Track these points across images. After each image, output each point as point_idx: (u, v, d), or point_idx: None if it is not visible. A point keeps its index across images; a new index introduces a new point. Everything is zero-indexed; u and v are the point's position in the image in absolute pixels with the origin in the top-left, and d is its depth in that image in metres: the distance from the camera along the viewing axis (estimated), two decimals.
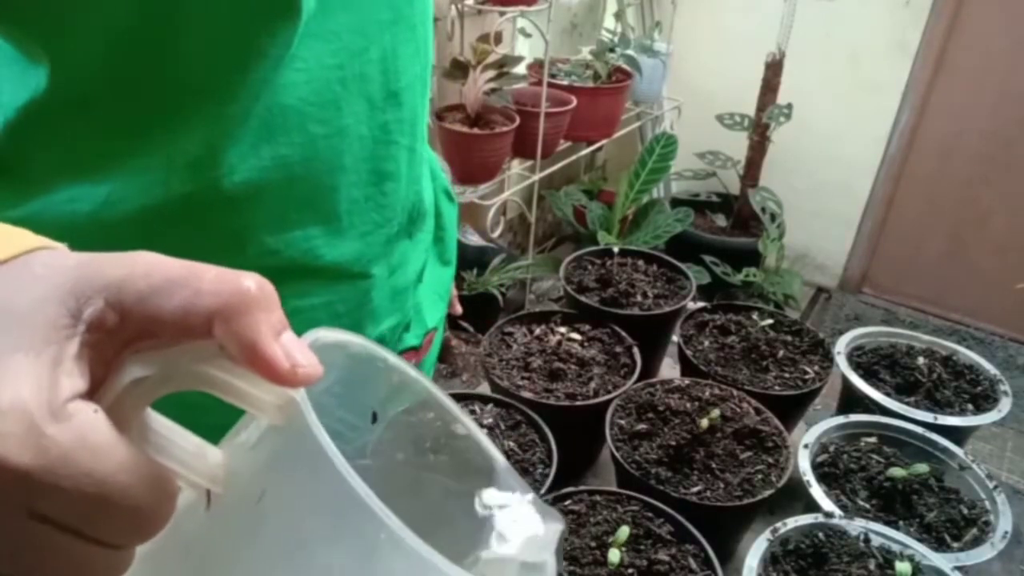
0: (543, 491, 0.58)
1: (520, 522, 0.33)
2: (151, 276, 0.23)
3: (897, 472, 0.65)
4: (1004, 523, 0.61)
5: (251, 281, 0.24)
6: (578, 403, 0.70)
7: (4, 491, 0.20)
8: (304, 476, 0.24)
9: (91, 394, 0.22)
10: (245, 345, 0.23)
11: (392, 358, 0.33)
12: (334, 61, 0.44)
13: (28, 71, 0.36)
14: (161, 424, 0.24)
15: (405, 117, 0.51)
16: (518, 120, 1.73)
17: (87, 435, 0.21)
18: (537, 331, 0.82)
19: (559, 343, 0.78)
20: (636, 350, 0.78)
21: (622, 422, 0.68)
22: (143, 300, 0.23)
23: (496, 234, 1.98)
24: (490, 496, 0.34)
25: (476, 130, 1.69)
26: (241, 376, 0.24)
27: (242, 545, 0.26)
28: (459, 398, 0.69)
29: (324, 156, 0.46)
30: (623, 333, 0.80)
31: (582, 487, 0.60)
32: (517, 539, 0.32)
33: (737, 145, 2.53)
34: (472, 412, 0.67)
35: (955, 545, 0.61)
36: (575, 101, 1.93)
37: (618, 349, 0.79)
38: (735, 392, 0.73)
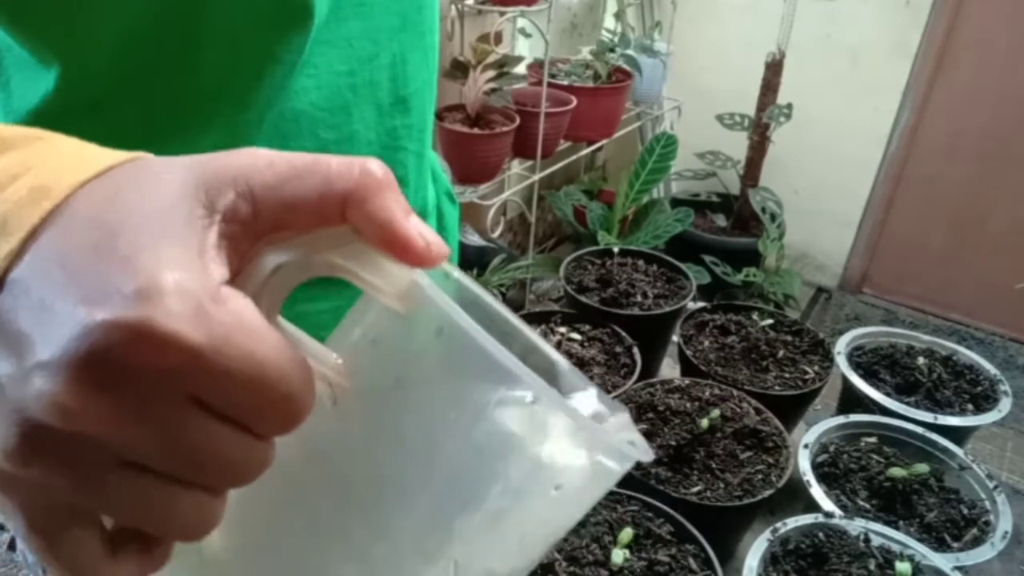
0: None
1: (599, 411, 0.33)
2: (275, 166, 0.23)
3: (897, 472, 0.65)
4: (1004, 523, 0.61)
5: (376, 165, 0.24)
6: None
7: (171, 376, 0.19)
8: (440, 353, 0.24)
9: (232, 285, 0.22)
10: (381, 224, 0.23)
11: (456, 272, 0.32)
12: (345, 67, 0.44)
13: (40, 74, 0.36)
14: (283, 321, 0.25)
15: (413, 123, 0.51)
16: (518, 120, 1.73)
17: (244, 317, 0.21)
18: (537, 331, 0.82)
19: (559, 343, 0.78)
20: (636, 350, 0.78)
21: None
22: (274, 188, 0.22)
23: (496, 234, 1.98)
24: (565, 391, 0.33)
25: (476, 130, 1.69)
26: (369, 265, 0.24)
27: (379, 432, 0.26)
28: None
29: None
30: (623, 333, 0.80)
31: None
32: (605, 424, 0.32)
33: (737, 145, 2.53)
34: None
35: (955, 545, 0.61)
36: (575, 101, 1.93)
37: (618, 349, 0.79)
38: (735, 392, 0.73)
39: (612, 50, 2.09)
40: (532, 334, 0.33)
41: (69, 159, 0.23)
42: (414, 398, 0.25)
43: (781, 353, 0.80)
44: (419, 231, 0.24)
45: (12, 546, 0.67)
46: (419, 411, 0.25)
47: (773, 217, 2.37)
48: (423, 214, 0.59)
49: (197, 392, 0.20)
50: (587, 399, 0.33)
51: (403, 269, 0.24)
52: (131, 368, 0.19)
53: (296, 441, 0.23)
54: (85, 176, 0.22)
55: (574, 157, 2.16)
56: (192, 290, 0.20)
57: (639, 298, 0.87)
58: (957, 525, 0.62)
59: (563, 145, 2.02)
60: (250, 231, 0.23)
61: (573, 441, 0.25)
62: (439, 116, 1.71)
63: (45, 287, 0.20)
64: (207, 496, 0.22)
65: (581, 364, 0.76)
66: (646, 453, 0.27)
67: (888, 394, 0.75)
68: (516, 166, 2.03)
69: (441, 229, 0.69)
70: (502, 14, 1.68)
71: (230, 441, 0.21)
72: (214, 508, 0.22)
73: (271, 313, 0.23)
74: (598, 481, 0.27)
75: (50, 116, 0.38)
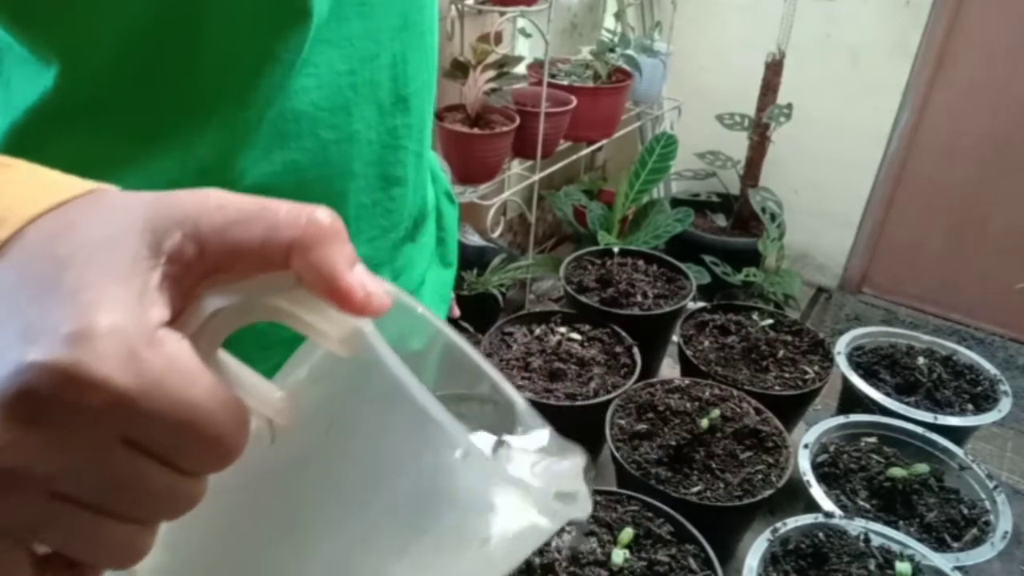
0: None
1: (547, 456, 0.33)
2: (225, 209, 0.23)
3: (897, 472, 0.65)
4: (1004, 523, 0.61)
5: (324, 213, 0.24)
6: (578, 403, 0.70)
7: (101, 416, 0.20)
8: (375, 403, 0.25)
9: (171, 325, 0.22)
10: (323, 274, 0.23)
11: (420, 308, 0.33)
12: (346, 67, 0.44)
13: (39, 72, 0.36)
14: (228, 359, 0.25)
15: (413, 122, 0.51)
16: (518, 120, 1.73)
17: (178, 361, 0.21)
18: (537, 331, 0.82)
19: (559, 343, 0.78)
20: (636, 350, 0.78)
21: (622, 422, 0.68)
22: (221, 232, 0.23)
23: (496, 234, 1.98)
24: (515, 434, 0.34)
25: (476, 130, 1.69)
26: (313, 310, 0.24)
27: (310, 475, 0.26)
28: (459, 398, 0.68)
29: (334, 161, 0.46)
30: (623, 333, 0.80)
31: None
32: (548, 472, 0.33)
33: (737, 145, 2.53)
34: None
35: (955, 545, 0.61)
36: (575, 101, 1.93)
37: (618, 349, 0.79)
38: (735, 392, 0.73)
39: (612, 50, 2.09)
40: (495, 373, 0.34)
41: (28, 189, 0.24)
42: (348, 444, 0.25)
43: (781, 353, 0.80)
44: (360, 282, 0.24)
45: None
46: (351, 457, 0.25)
47: (773, 217, 2.37)
48: (422, 214, 0.59)
49: (126, 432, 0.21)
50: (539, 439, 0.33)
51: (346, 315, 0.24)
52: (61, 407, 0.19)
53: (233, 472, 0.24)
54: (40, 208, 0.23)
55: (574, 157, 2.16)
56: (126, 333, 0.20)
57: (639, 298, 0.87)
58: (957, 525, 0.62)
59: (563, 145, 2.02)
60: (195, 271, 0.23)
61: (503, 497, 0.25)
62: (439, 116, 1.71)
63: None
64: (136, 527, 0.23)
65: (581, 364, 0.76)
66: (583, 508, 0.28)
67: (888, 394, 0.75)
68: (516, 166, 2.03)
69: (440, 229, 0.69)
70: (502, 14, 1.68)
71: (159, 478, 0.22)
72: (144, 539, 0.23)
73: (210, 352, 0.24)
74: (527, 537, 0.27)
75: (49, 114, 0.38)
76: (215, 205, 0.23)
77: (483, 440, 0.31)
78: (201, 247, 0.23)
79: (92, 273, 0.21)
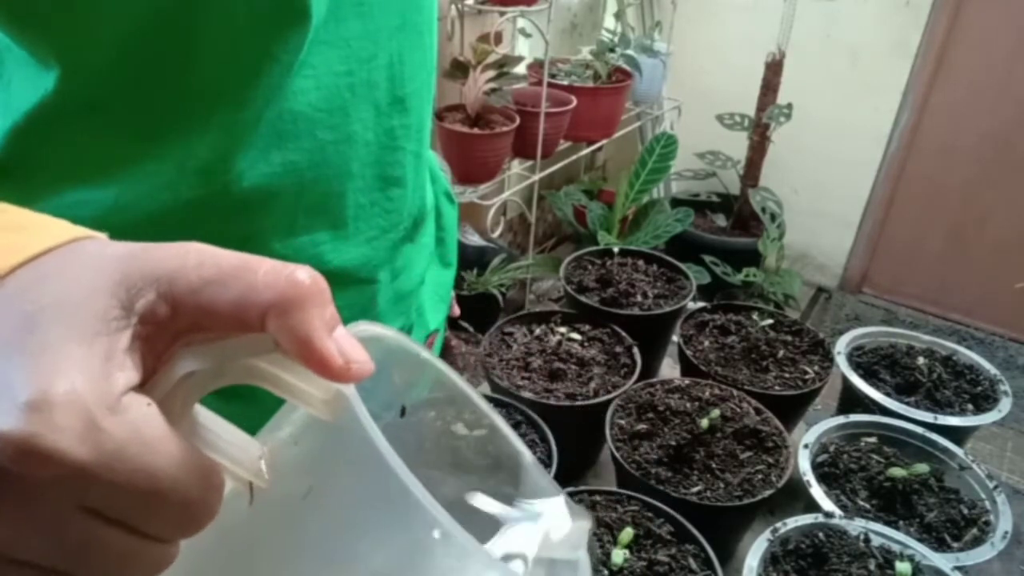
0: None
1: (550, 519, 0.33)
2: (203, 267, 0.22)
3: (897, 472, 0.65)
4: (1004, 523, 0.61)
5: (305, 274, 0.23)
6: (578, 403, 0.70)
7: (58, 485, 0.20)
8: (354, 472, 0.24)
9: (142, 387, 0.22)
10: (300, 340, 0.23)
11: (424, 353, 0.33)
12: (343, 68, 0.44)
13: (39, 74, 0.37)
14: (207, 417, 0.24)
15: (411, 123, 0.51)
16: (518, 120, 1.73)
17: (141, 429, 0.21)
18: (537, 331, 0.82)
19: (559, 343, 0.78)
20: (636, 350, 0.78)
21: (622, 422, 0.68)
22: (196, 292, 0.22)
23: (496, 234, 1.98)
24: (519, 494, 0.34)
25: (476, 130, 1.69)
26: (292, 370, 0.24)
27: (286, 540, 0.26)
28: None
29: (332, 162, 0.46)
30: (623, 333, 0.80)
31: (582, 487, 0.60)
32: (549, 536, 0.32)
33: (737, 145, 2.53)
34: (472, 412, 0.67)
35: (955, 545, 0.61)
36: (575, 101, 1.93)
37: (618, 349, 0.79)
38: (735, 392, 0.73)
39: (612, 50, 2.09)
40: (501, 422, 0.34)
41: (11, 238, 0.23)
42: (325, 511, 0.25)
43: (781, 353, 0.80)
44: (339, 349, 0.23)
45: None
46: (328, 526, 0.25)
47: (773, 217, 2.37)
48: (421, 214, 0.59)
49: (86, 501, 0.20)
50: (547, 502, 0.33)
51: (323, 382, 0.24)
52: (13, 479, 0.19)
53: (214, 534, 0.23)
54: (16, 261, 0.22)
55: (574, 157, 2.16)
56: (86, 401, 0.20)
57: (639, 298, 0.87)
58: (957, 525, 0.62)
59: (563, 145, 2.02)
60: (167, 332, 0.23)
61: None
62: (439, 116, 1.71)
63: None
64: None
65: (581, 364, 0.76)
66: None
67: (888, 394, 0.75)
68: (516, 166, 2.03)
69: (440, 229, 0.69)
70: (502, 14, 1.68)
71: (122, 543, 0.21)
72: None
73: (182, 415, 0.23)
74: None
75: (48, 116, 0.38)
76: (194, 263, 0.22)
77: (483, 503, 0.31)
78: (175, 307, 0.22)
79: (57, 333, 0.20)
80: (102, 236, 0.25)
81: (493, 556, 0.24)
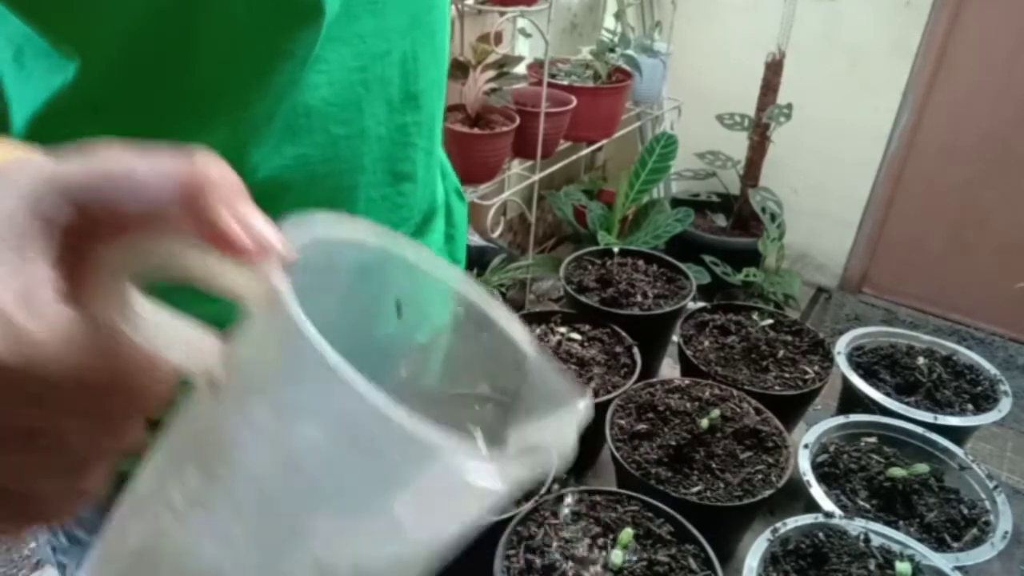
0: (543, 491, 0.58)
1: (549, 402, 0.33)
2: (109, 170, 0.23)
3: (897, 472, 0.65)
4: (1004, 523, 0.61)
5: (206, 160, 0.24)
6: None
7: None
8: (290, 358, 0.24)
9: (67, 291, 0.22)
10: (206, 223, 0.23)
11: (411, 255, 0.33)
12: (356, 63, 0.45)
13: (60, 65, 0.37)
14: (154, 315, 0.25)
15: (423, 120, 0.52)
16: (518, 120, 1.73)
17: (60, 327, 0.21)
18: (537, 331, 0.82)
19: (559, 343, 0.78)
20: (636, 350, 0.78)
21: (622, 422, 0.68)
22: (102, 194, 0.22)
23: (496, 234, 1.98)
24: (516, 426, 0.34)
25: (476, 130, 1.69)
26: (219, 263, 0.24)
27: (234, 427, 0.26)
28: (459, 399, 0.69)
29: (344, 156, 0.47)
30: (623, 333, 0.80)
31: (582, 487, 0.60)
32: (546, 419, 0.33)
33: (737, 145, 2.53)
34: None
35: (955, 545, 0.61)
36: (575, 101, 1.93)
37: (618, 349, 0.79)
38: (735, 392, 0.73)
39: (612, 50, 2.09)
40: (507, 320, 0.34)
41: None
42: (260, 393, 0.26)
43: (781, 353, 0.80)
44: (247, 226, 0.24)
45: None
46: (263, 404, 0.25)
47: (773, 217, 2.37)
48: (431, 209, 0.59)
49: (28, 396, 0.21)
50: (548, 385, 0.33)
51: (252, 269, 0.24)
52: None
53: (183, 425, 0.25)
54: None
55: (574, 157, 2.16)
56: (2, 306, 0.20)
57: (639, 298, 0.87)
58: (957, 525, 0.62)
59: (563, 145, 2.02)
60: (85, 237, 0.23)
61: (420, 453, 0.24)
62: None
63: None
64: (64, 477, 0.24)
65: (581, 364, 0.76)
66: (548, 460, 0.27)
67: (888, 394, 0.75)
68: (516, 166, 2.03)
69: (450, 225, 0.70)
70: (502, 14, 1.68)
71: (82, 430, 0.23)
72: (71, 485, 0.24)
73: (107, 315, 0.23)
74: (459, 497, 0.26)
75: (55, 115, 0.38)
76: (100, 169, 0.23)
77: (474, 445, 0.31)
78: (83, 211, 0.22)
79: None
80: (35, 154, 0.25)
81: (430, 430, 0.23)
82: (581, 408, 0.31)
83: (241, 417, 0.26)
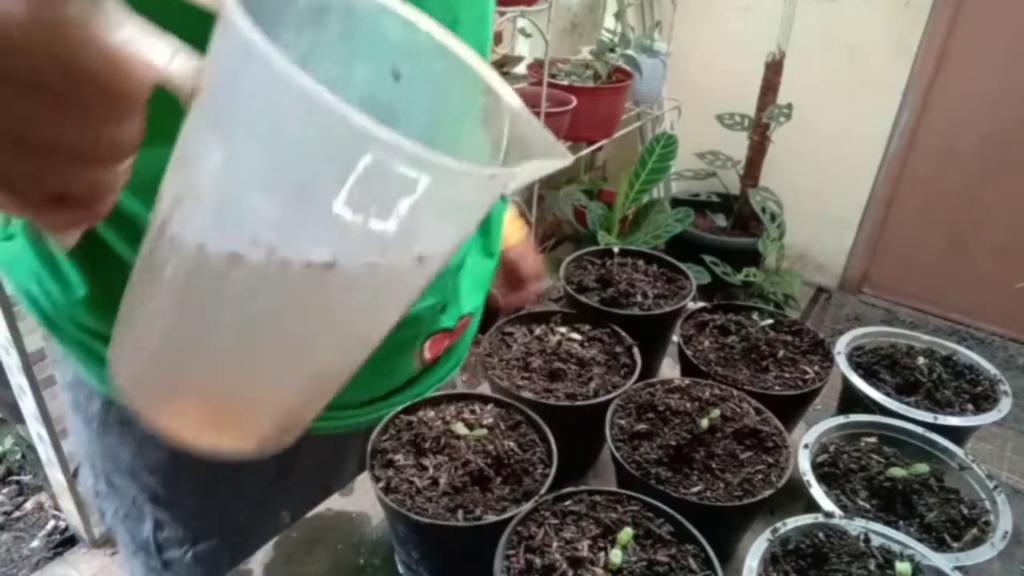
0: (543, 491, 0.58)
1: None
2: None
3: (897, 472, 0.65)
4: (1004, 523, 0.61)
5: None
6: (578, 403, 0.70)
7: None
8: (226, 48, 0.27)
9: None
10: None
11: (402, 10, 0.34)
12: None
13: None
14: (129, 21, 0.28)
15: None
16: None
17: (53, 15, 0.25)
18: (537, 331, 0.82)
19: (559, 343, 0.78)
20: (636, 350, 0.78)
21: (622, 422, 0.68)
22: None
23: None
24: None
25: None
26: None
27: (199, 122, 0.29)
28: (459, 398, 0.69)
29: None
30: (623, 333, 0.80)
31: (582, 487, 0.60)
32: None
33: (737, 145, 2.53)
34: (472, 412, 0.67)
35: (955, 545, 0.61)
36: (575, 101, 1.93)
37: (618, 349, 0.79)
38: (735, 392, 0.73)
39: (612, 50, 2.09)
40: (487, 72, 0.35)
41: None
42: (212, 83, 0.28)
43: (781, 353, 0.80)
44: None
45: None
46: (222, 119, 0.28)
47: (773, 217, 2.37)
48: None
49: (18, 74, 0.25)
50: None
51: None
52: None
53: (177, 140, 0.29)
54: None
55: (574, 157, 2.16)
56: None
57: (639, 298, 0.87)
58: (957, 525, 0.62)
59: (563, 145, 2.02)
60: None
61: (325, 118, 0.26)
62: None
63: None
64: (83, 167, 0.28)
65: (581, 364, 0.76)
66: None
67: (888, 394, 0.75)
68: None
69: (486, 219, 0.71)
70: (502, 14, 1.68)
71: (70, 118, 0.27)
72: (93, 176, 0.29)
73: (91, 6, 0.26)
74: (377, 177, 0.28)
75: None
76: None
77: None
78: None
79: None
80: None
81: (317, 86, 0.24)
82: (564, 160, 0.34)
83: (206, 116, 0.28)
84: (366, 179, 0.26)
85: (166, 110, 0.29)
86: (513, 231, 0.89)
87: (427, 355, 0.76)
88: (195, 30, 0.28)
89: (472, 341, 0.83)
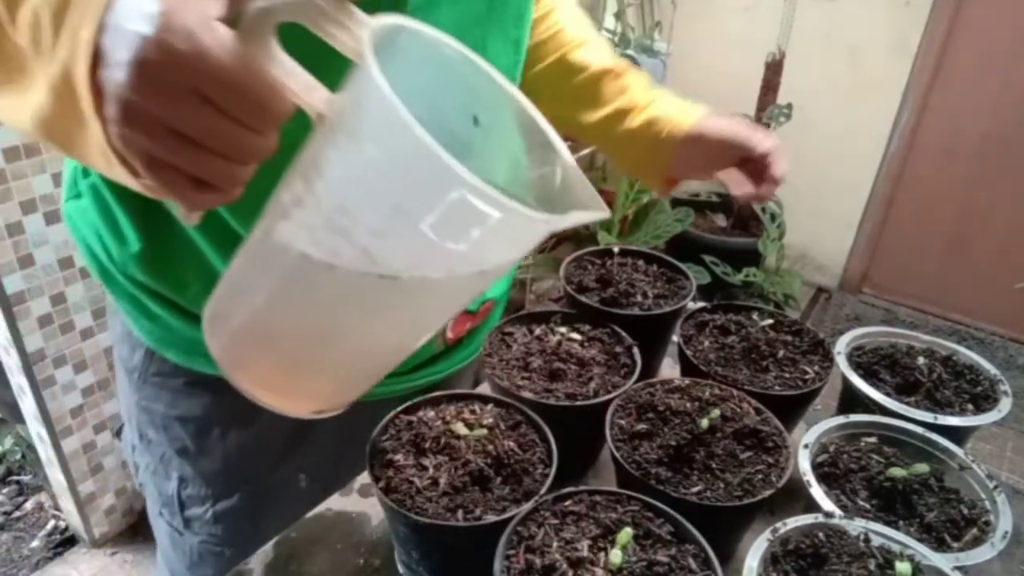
0: (543, 491, 0.58)
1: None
2: None
3: (897, 472, 0.65)
4: (1004, 523, 0.61)
5: None
6: (578, 403, 0.70)
7: (173, 68, 0.32)
8: (362, 92, 0.34)
9: (230, 25, 0.34)
10: None
11: (484, 65, 0.43)
12: None
13: None
14: (285, 60, 0.36)
15: None
16: None
17: (220, 40, 0.33)
18: (537, 331, 0.82)
19: (559, 343, 0.78)
20: (636, 350, 0.78)
21: (622, 422, 0.68)
22: None
23: None
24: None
25: None
26: (334, 20, 0.35)
27: (325, 145, 0.37)
28: (459, 398, 0.69)
29: None
30: (623, 333, 0.80)
31: (582, 487, 0.60)
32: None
33: None
34: (472, 412, 0.67)
35: (955, 545, 0.61)
36: None
37: (618, 349, 0.79)
38: (735, 392, 0.73)
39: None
40: (548, 129, 0.43)
41: None
42: (339, 119, 0.36)
43: (781, 353, 0.80)
44: None
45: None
46: (340, 121, 0.36)
47: (773, 217, 2.37)
48: None
49: (194, 84, 0.33)
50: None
51: (357, 27, 0.35)
52: (151, 63, 0.32)
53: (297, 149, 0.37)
54: None
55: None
56: (189, 18, 0.32)
57: (639, 298, 0.87)
58: (957, 525, 0.62)
59: None
60: None
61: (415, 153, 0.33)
62: None
63: (121, 21, 0.33)
64: (226, 162, 0.35)
65: (581, 364, 0.76)
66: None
67: (888, 394, 0.75)
68: None
69: None
70: None
71: (227, 125, 0.34)
72: (239, 171, 0.36)
73: (261, 43, 0.35)
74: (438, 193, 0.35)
75: None
76: None
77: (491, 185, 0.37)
78: None
79: None
80: None
81: (442, 152, 0.32)
82: (604, 214, 0.42)
83: (331, 139, 0.36)
84: (451, 209, 0.34)
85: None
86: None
87: (449, 335, 0.79)
88: (327, 68, 0.36)
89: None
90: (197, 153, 0.35)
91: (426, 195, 0.34)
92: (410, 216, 0.34)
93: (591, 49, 0.84)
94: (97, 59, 0.34)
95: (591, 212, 0.41)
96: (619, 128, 0.82)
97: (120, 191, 0.63)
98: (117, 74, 0.33)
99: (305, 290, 0.40)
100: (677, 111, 0.80)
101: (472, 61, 0.42)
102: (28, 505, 1.88)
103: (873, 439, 0.71)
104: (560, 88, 0.84)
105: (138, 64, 0.32)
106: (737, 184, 0.80)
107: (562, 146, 0.43)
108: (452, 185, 0.33)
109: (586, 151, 2.23)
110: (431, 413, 0.66)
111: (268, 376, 0.48)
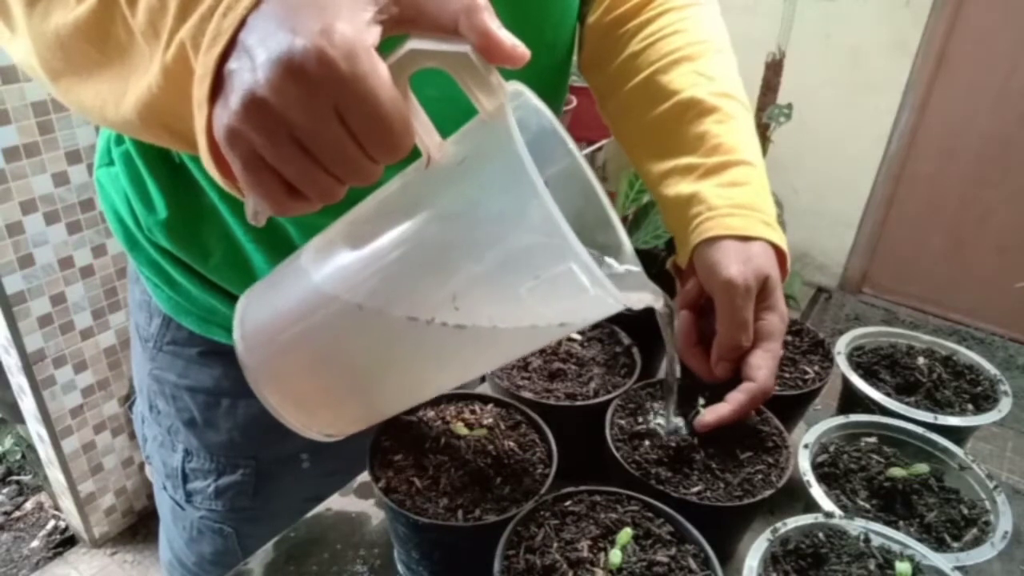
0: (543, 491, 0.58)
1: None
2: None
3: (897, 472, 0.65)
4: (1004, 523, 0.61)
5: None
6: (578, 403, 0.70)
7: (327, 83, 0.32)
8: (493, 150, 0.36)
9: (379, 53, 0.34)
10: (482, 31, 0.35)
11: (571, 141, 0.48)
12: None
13: None
14: (413, 99, 0.37)
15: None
16: None
17: (377, 68, 0.33)
18: None
19: (559, 343, 0.78)
20: (636, 350, 0.78)
21: (622, 422, 0.68)
22: (414, 2, 0.36)
23: None
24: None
25: None
26: (475, 78, 0.36)
27: (439, 189, 0.39)
28: (459, 398, 0.69)
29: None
30: (623, 333, 0.80)
31: (582, 487, 0.60)
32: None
33: None
34: (472, 412, 0.67)
35: (955, 545, 0.61)
36: (575, 101, 1.93)
37: (618, 349, 0.79)
38: None
39: None
40: (618, 223, 0.49)
41: None
42: (465, 173, 0.38)
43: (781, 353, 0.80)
44: (508, 38, 0.36)
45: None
46: (465, 179, 0.38)
47: None
48: None
49: (337, 101, 0.33)
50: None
51: (498, 87, 0.37)
52: (304, 71, 0.32)
53: (401, 185, 0.40)
54: None
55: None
56: (351, 38, 0.32)
57: None
58: (957, 525, 0.62)
59: None
60: (393, 22, 0.35)
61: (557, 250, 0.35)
62: None
63: (268, 23, 0.33)
64: (334, 181, 0.36)
65: (581, 364, 0.76)
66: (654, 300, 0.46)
67: (888, 394, 0.75)
68: None
69: None
70: None
71: (352, 148, 0.34)
72: (338, 189, 0.36)
73: (400, 79, 0.35)
74: (567, 286, 0.37)
75: None
76: None
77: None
78: (400, 8, 0.35)
79: (334, 5, 0.33)
80: None
81: (572, 235, 0.34)
82: (660, 301, 0.49)
83: (445, 184, 0.39)
84: (554, 278, 0.36)
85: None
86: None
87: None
88: (441, 111, 0.40)
89: None
90: (310, 165, 0.35)
91: (539, 261, 0.35)
92: (516, 276, 0.36)
93: (691, 68, 0.70)
94: (228, 51, 0.34)
95: (651, 295, 0.47)
96: (661, 186, 0.68)
97: (152, 160, 0.65)
98: (259, 71, 0.32)
99: (376, 326, 0.40)
100: (725, 206, 0.64)
101: (557, 131, 0.47)
102: (28, 505, 1.88)
103: (873, 439, 0.71)
104: (640, 120, 0.70)
105: (291, 69, 0.32)
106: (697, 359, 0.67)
107: (623, 232, 0.48)
108: (567, 258, 0.34)
109: (587, 150, 2.23)
110: (431, 413, 0.66)
111: (305, 395, 0.48)
